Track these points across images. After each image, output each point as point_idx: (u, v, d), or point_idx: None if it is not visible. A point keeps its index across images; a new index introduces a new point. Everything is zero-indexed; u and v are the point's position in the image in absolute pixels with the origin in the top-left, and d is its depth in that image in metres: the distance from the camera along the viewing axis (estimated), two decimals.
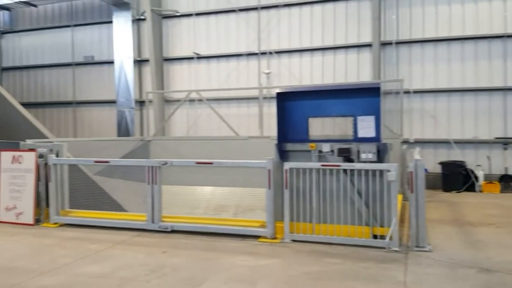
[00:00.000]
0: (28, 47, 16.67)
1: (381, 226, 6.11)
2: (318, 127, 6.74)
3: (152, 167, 7.08)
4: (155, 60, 14.53)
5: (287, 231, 6.35)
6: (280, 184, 6.50)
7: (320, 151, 6.54)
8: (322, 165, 6.33)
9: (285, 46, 13.81)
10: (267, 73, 13.84)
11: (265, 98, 13.16)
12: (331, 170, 6.28)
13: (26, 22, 16.67)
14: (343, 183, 6.26)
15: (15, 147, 8.35)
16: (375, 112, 6.41)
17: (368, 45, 13.05)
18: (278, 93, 6.86)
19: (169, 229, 6.94)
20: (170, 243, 6.36)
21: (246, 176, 7.60)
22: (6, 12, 16.41)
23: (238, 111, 14.23)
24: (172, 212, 7.33)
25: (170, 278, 4.89)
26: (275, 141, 6.81)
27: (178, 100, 14.04)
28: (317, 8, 13.49)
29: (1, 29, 16.71)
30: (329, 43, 13.44)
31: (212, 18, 14.51)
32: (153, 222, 7.03)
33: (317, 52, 13.58)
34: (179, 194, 8.15)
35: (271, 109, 12.77)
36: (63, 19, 16.18)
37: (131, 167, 8.16)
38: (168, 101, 14.91)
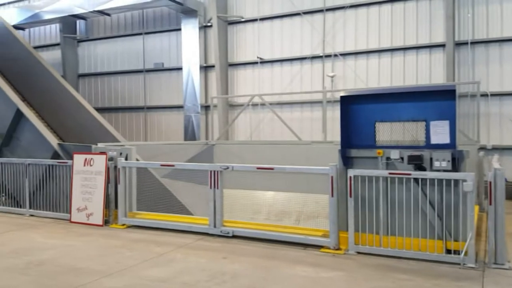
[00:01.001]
0: (102, 54, 17.65)
1: (456, 240, 5.62)
2: (386, 132, 6.36)
3: (215, 171, 7.10)
4: (220, 65, 14.74)
5: (352, 242, 6.05)
6: (344, 192, 6.22)
7: (388, 158, 6.16)
8: (390, 173, 5.95)
9: (351, 48, 13.41)
10: (332, 76, 13.50)
11: (329, 101, 12.84)
12: (400, 179, 5.90)
13: (101, 30, 17.66)
14: (413, 193, 5.85)
15: (88, 150, 8.79)
16: (450, 116, 5.93)
17: (441, 45, 12.30)
18: (342, 97, 6.58)
19: (230, 234, 6.91)
20: (231, 249, 6.32)
21: (309, 182, 7.38)
22: (82, 21, 17.50)
23: (301, 115, 14.02)
24: (233, 217, 7.30)
25: (229, 286, 4.81)
26: (339, 147, 6.53)
27: (241, 105, 14.12)
28: (386, 8, 12.95)
29: (78, 38, 17.82)
30: (398, 43, 12.85)
31: (276, 22, 14.45)
32: (215, 226, 7.04)
33: (385, 53, 13.03)
34: (240, 199, 8.11)
35: (335, 113, 12.43)
36: (134, 27, 16.93)
37: (195, 171, 8.26)
38: (232, 106, 15.06)
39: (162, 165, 8.26)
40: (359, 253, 5.96)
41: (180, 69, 15.56)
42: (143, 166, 8.42)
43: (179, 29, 15.51)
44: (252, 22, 14.83)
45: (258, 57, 14.53)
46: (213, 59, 15.11)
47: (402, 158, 6.05)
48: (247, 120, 14.65)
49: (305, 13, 13.88)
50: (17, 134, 10.76)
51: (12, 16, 16.90)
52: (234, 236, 6.87)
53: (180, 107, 15.65)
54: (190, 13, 14.96)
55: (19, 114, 10.58)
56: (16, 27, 16.49)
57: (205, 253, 6.14)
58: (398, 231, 5.87)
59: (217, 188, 7.02)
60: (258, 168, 7.04)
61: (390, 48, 12.95)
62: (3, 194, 10.07)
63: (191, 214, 8.67)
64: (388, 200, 5.97)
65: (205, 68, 15.53)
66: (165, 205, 8.36)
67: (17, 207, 9.55)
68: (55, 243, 6.82)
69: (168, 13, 16.04)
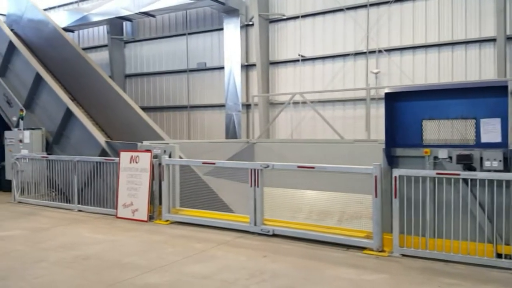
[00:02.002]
0: (148, 55, 18.09)
1: (507, 244, 5.33)
2: (434, 130, 6.10)
3: (255, 169, 7.10)
4: (261, 64, 14.74)
5: (396, 244, 5.86)
6: (388, 193, 6.03)
7: (436, 158, 5.92)
8: (438, 173, 5.72)
9: (396, 43, 13.01)
10: (376, 73, 13.16)
11: (373, 99, 12.53)
12: (448, 179, 5.65)
13: (146, 32, 18.12)
14: (462, 194, 5.58)
15: (134, 148, 9.03)
16: (502, 114, 5.61)
17: (491, 40, 11.68)
18: (387, 93, 6.37)
19: (270, 233, 6.88)
20: (271, 247, 6.29)
21: (351, 181, 7.22)
22: (128, 23, 18.01)
23: (344, 113, 13.77)
24: (274, 215, 7.27)
25: (269, 285, 4.79)
26: (383, 146, 6.34)
27: (282, 103, 14.05)
28: (433, 1, 12.46)
29: (124, 39, 18.37)
30: (446, 38, 12.33)
31: (318, 18, 14.27)
32: (255, 224, 7.04)
33: (432, 48, 12.55)
34: (281, 197, 8.07)
35: (380, 111, 12.16)
36: (178, 28, 17.23)
37: (235, 169, 8.29)
38: (273, 104, 15.02)
39: (203, 163, 8.37)
40: (403, 255, 5.77)
41: (222, 68, 15.69)
42: (185, 163, 8.56)
43: (221, 29, 15.63)
44: (293, 20, 14.71)
45: (299, 55, 14.40)
46: (254, 58, 15.13)
47: (450, 158, 5.79)
48: (288, 118, 14.56)
49: (348, 8, 13.60)
50: (67, 132, 11.23)
51: (62, 19, 17.65)
52: (274, 235, 6.84)
53: (222, 106, 15.79)
54: (232, 12, 15.04)
55: (69, 113, 11.03)
56: (66, 29, 17.21)
57: (245, 251, 6.15)
58: (446, 234, 5.63)
59: (258, 186, 7.02)
60: (299, 167, 6.98)
61: (437, 43, 12.45)
62: (54, 190, 10.56)
63: (231, 211, 8.73)
64: (435, 201, 5.74)
65: (246, 67, 15.57)
66: (206, 202, 8.45)
67: (67, 202, 9.97)
68: (101, 238, 7.05)
69: (211, 13, 16.21)
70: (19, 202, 10.47)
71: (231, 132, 15.22)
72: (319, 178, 8.02)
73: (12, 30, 13.74)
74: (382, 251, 5.94)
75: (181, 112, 17.33)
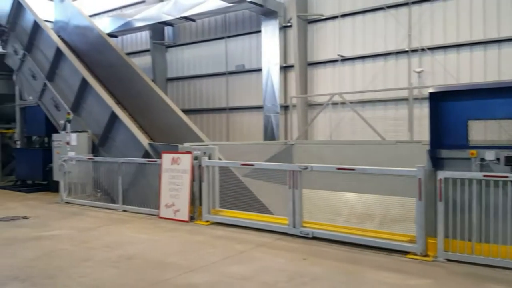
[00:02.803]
0: (189, 58, 18.43)
1: None
2: (480, 131, 5.87)
3: (293, 171, 7.07)
4: (300, 65, 14.67)
5: (441, 248, 5.67)
6: (432, 195, 5.85)
7: (483, 159, 5.69)
8: (485, 176, 5.49)
9: (439, 41, 12.59)
10: (419, 72, 12.78)
11: (415, 99, 12.17)
12: (495, 182, 5.41)
13: (187, 36, 18.46)
14: (510, 197, 5.33)
15: (175, 150, 9.22)
16: None
17: None
18: (431, 93, 6.18)
19: (310, 235, 6.84)
20: (310, 250, 6.25)
21: (393, 184, 7.06)
22: (170, 28, 18.42)
23: (385, 114, 13.46)
24: (313, 218, 7.22)
25: None
26: (428, 147, 6.15)
27: (321, 104, 13.93)
28: None
29: (166, 44, 18.79)
30: (492, 35, 11.80)
31: (358, 18, 14.04)
32: (294, 227, 7.02)
33: (477, 46, 12.05)
34: (320, 200, 8.00)
35: (423, 111, 11.81)
36: (218, 31, 17.45)
37: (274, 171, 8.30)
38: (311, 105, 14.91)
39: (242, 165, 8.42)
40: (448, 260, 5.58)
41: (260, 70, 15.74)
42: (224, 165, 8.65)
43: (259, 31, 15.69)
44: (332, 20, 14.56)
45: (338, 55, 14.22)
46: (292, 59, 15.09)
47: (498, 159, 5.56)
48: (326, 119, 14.41)
49: (389, 7, 13.30)
50: (112, 135, 11.60)
51: (106, 24, 18.30)
52: (314, 238, 6.79)
53: (260, 107, 15.84)
54: (270, 14, 15.07)
55: (114, 116, 11.40)
56: (110, 35, 17.81)
57: (284, 253, 6.14)
58: (493, 238, 5.39)
59: (296, 188, 6.99)
60: (338, 169, 6.88)
61: (483, 41, 11.93)
62: (99, 191, 10.95)
63: (270, 213, 8.74)
64: (482, 204, 5.51)
65: (285, 68, 15.55)
66: (245, 204, 8.51)
67: (112, 202, 10.30)
68: (144, 238, 7.25)
69: (249, 15, 16.31)
70: (66, 203, 10.93)
71: (269, 134, 15.24)
72: (359, 180, 7.88)
73: (59, 36, 14.36)
74: (426, 255, 5.77)
75: (220, 114, 17.52)
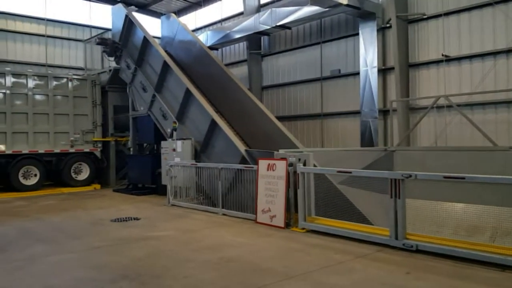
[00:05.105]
0: (283, 66, 18.67)
1: None
2: None
3: (395, 179, 6.76)
4: (400, 67, 14.03)
5: None
6: None
7: None
8: None
9: None
10: None
11: None
12: None
13: (282, 44, 18.72)
14: None
15: (270, 156, 9.37)
16: None
17: None
18: None
19: (413, 248, 6.47)
20: (414, 264, 5.91)
21: (506, 193, 6.41)
22: (265, 37, 18.86)
23: (496, 117, 12.28)
24: (415, 229, 6.82)
25: None
26: None
27: (424, 108, 13.14)
28: None
29: (262, 53, 19.26)
30: None
31: (464, 15, 13.05)
32: (396, 238, 6.69)
33: None
34: (424, 210, 7.52)
35: None
36: (312, 37, 17.44)
37: (373, 178, 8.00)
38: (413, 109, 14.15)
39: (339, 172, 8.24)
40: None
41: (356, 74, 15.38)
42: (320, 172, 8.56)
43: (356, 34, 15.35)
44: (435, 18, 13.71)
45: (443, 55, 13.33)
46: (391, 61, 14.50)
47: None
48: (430, 124, 13.55)
49: (497, 2, 12.15)
50: (212, 142, 12.17)
51: (208, 38, 19.34)
52: (417, 251, 6.41)
53: (356, 112, 15.45)
54: (368, 16, 14.67)
55: (213, 124, 11.95)
56: (211, 47, 18.78)
57: (386, 266, 5.88)
58: None
59: (399, 197, 6.66)
60: (445, 177, 6.41)
61: None
62: (201, 194, 11.53)
63: (368, 222, 8.44)
64: None
65: (383, 71, 14.99)
66: (341, 212, 8.32)
67: (212, 206, 10.77)
68: (242, 242, 7.45)
69: (345, 19, 16.05)
70: (172, 205, 11.67)
71: (367, 140, 14.77)
72: (467, 190, 7.28)
73: (166, 51, 15.49)
74: None
75: (314, 120, 17.44)
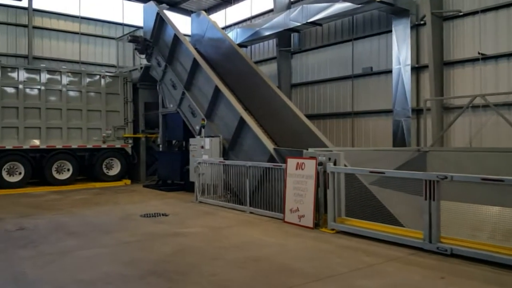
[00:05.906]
0: (313, 63, 18.45)
1: None
2: None
3: (430, 181, 6.52)
4: (434, 65, 13.61)
5: None
6: None
7: None
8: None
9: None
10: None
11: None
12: None
13: (312, 41, 18.50)
14: None
15: (299, 155, 9.24)
16: None
17: None
18: None
19: (448, 252, 6.23)
20: (449, 268, 5.69)
21: None
22: (295, 34, 18.68)
23: None
24: (449, 233, 6.57)
25: None
26: None
27: (459, 107, 12.71)
28: None
29: (292, 50, 19.09)
30: None
31: (502, 12, 12.53)
32: (430, 242, 6.47)
33: None
34: (460, 213, 7.24)
35: None
36: (344, 34, 17.15)
37: (406, 179, 7.76)
38: (447, 109, 13.71)
39: (371, 172, 8.04)
40: None
41: (389, 72, 15.03)
42: (351, 172, 8.37)
43: (389, 31, 15.00)
44: (472, 15, 13.24)
45: (479, 53, 12.85)
46: (426, 59, 14.09)
47: None
48: (465, 124, 13.10)
49: None
50: (241, 139, 12.13)
51: (237, 36, 19.32)
52: (452, 255, 6.17)
53: (388, 111, 15.10)
54: (401, 13, 14.30)
55: (242, 122, 11.90)
56: (240, 45, 18.74)
57: (419, 269, 5.68)
58: None
59: (433, 199, 6.43)
60: (483, 179, 6.15)
61: None
62: (229, 192, 11.52)
63: (400, 225, 8.20)
64: None
65: (417, 69, 14.59)
66: (372, 213, 8.11)
67: (240, 204, 10.74)
68: (270, 241, 7.37)
69: (378, 15, 15.70)
70: (200, 202, 11.71)
71: (399, 140, 14.41)
72: (505, 193, 6.96)
73: (195, 48, 15.55)
74: None
75: (344, 119, 17.16)
